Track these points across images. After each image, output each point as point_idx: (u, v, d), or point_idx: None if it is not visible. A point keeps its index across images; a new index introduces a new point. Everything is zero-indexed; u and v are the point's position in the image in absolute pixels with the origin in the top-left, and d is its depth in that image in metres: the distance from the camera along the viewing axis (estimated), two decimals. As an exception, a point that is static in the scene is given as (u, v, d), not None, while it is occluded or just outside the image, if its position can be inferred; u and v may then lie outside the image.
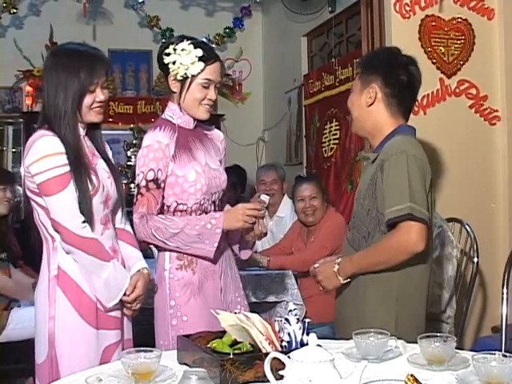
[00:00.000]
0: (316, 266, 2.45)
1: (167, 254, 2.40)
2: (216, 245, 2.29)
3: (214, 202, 2.44)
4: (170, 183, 2.36)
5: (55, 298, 2.12)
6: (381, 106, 2.39)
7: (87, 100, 2.18)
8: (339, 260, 2.36)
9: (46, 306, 2.13)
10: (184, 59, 2.33)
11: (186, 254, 2.36)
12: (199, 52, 2.33)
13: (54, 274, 2.14)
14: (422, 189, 2.22)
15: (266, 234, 2.47)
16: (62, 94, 2.16)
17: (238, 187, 5.52)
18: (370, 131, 2.44)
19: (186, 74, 2.34)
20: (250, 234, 2.43)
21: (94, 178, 2.17)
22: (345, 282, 2.33)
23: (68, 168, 2.11)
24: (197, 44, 2.37)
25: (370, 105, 2.39)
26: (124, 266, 2.25)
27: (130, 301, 2.20)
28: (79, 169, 2.13)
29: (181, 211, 2.37)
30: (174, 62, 2.35)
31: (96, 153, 2.26)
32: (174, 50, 2.35)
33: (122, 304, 2.21)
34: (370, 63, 2.47)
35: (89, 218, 2.14)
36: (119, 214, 2.35)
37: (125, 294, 2.18)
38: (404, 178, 2.19)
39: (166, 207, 2.38)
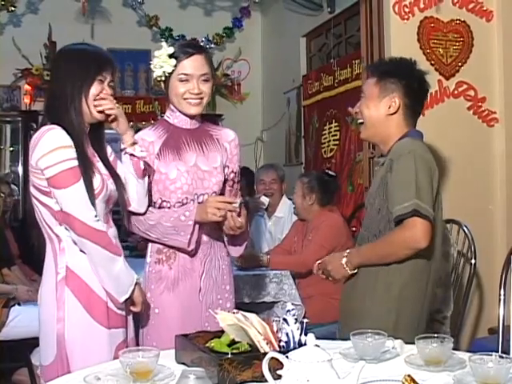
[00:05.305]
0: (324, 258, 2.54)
1: (149, 248, 2.48)
2: (189, 236, 2.34)
3: (201, 203, 2.44)
4: (155, 180, 2.43)
5: (64, 299, 2.09)
6: (400, 115, 2.46)
7: (94, 89, 2.17)
8: (347, 251, 2.44)
9: (54, 308, 2.09)
10: (159, 59, 2.40)
11: (166, 245, 2.42)
12: (170, 50, 2.40)
13: (62, 275, 2.11)
14: (428, 187, 2.29)
15: (240, 228, 2.40)
16: (70, 83, 2.15)
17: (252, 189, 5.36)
18: (383, 138, 2.50)
19: (162, 73, 2.41)
20: (225, 227, 2.43)
21: (98, 176, 2.16)
22: (352, 272, 2.41)
23: (77, 162, 2.09)
24: (172, 43, 2.46)
25: (391, 114, 2.45)
26: None
27: (139, 310, 2.24)
28: (86, 164, 2.12)
29: (164, 208, 2.43)
30: (155, 66, 2.44)
31: (96, 155, 2.24)
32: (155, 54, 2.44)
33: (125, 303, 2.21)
34: (389, 72, 2.49)
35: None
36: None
37: (134, 305, 2.20)
38: (411, 177, 2.26)
39: (152, 203, 2.44)
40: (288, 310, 1.78)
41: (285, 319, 1.75)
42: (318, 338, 1.48)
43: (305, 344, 1.49)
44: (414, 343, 1.78)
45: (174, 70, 2.40)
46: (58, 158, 2.06)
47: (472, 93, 3.94)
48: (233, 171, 2.57)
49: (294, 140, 6.35)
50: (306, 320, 1.78)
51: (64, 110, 2.15)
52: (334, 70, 5.33)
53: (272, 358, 1.45)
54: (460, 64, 3.92)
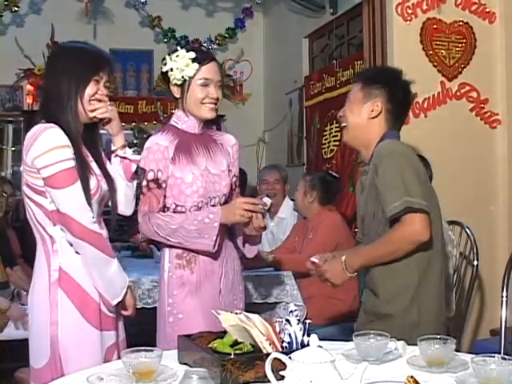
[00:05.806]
0: (315, 260, 2.53)
1: (167, 253, 2.47)
2: (214, 238, 2.35)
3: (214, 206, 2.47)
4: (170, 185, 2.43)
5: (57, 301, 2.06)
6: (381, 120, 2.47)
7: (90, 89, 2.15)
8: (344, 256, 2.43)
9: (47, 311, 2.06)
10: (179, 63, 2.42)
11: (187, 249, 2.42)
12: (192, 54, 2.42)
13: (55, 276, 2.08)
14: (415, 181, 2.30)
15: (264, 229, 2.49)
16: (66, 82, 2.13)
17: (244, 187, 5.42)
18: (364, 142, 2.51)
19: (182, 76, 2.42)
20: (249, 228, 2.46)
21: (93, 176, 2.15)
22: (351, 275, 2.41)
23: (74, 162, 2.06)
24: (190, 48, 2.47)
25: (373, 118, 2.47)
26: None
27: (130, 314, 2.23)
28: (83, 165, 2.10)
29: (180, 213, 2.43)
30: (171, 69, 2.44)
31: (89, 155, 2.21)
32: (170, 58, 2.45)
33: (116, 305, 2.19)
34: (374, 78, 2.53)
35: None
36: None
37: (125, 309, 2.20)
38: (397, 176, 2.28)
39: (166, 209, 2.44)
40: (291, 311, 1.78)
41: (287, 320, 1.76)
42: (320, 338, 1.48)
43: (307, 345, 1.49)
44: (415, 344, 1.78)
45: (194, 75, 2.42)
46: (56, 157, 2.03)
47: (474, 94, 3.94)
48: (235, 175, 2.62)
49: (295, 141, 6.35)
50: (308, 321, 1.78)
51: (60, 110, 2.12)
52: (336, 71, 5.33)
53: (275, 358, 1.45)
54: (463, 65, 3.93)
